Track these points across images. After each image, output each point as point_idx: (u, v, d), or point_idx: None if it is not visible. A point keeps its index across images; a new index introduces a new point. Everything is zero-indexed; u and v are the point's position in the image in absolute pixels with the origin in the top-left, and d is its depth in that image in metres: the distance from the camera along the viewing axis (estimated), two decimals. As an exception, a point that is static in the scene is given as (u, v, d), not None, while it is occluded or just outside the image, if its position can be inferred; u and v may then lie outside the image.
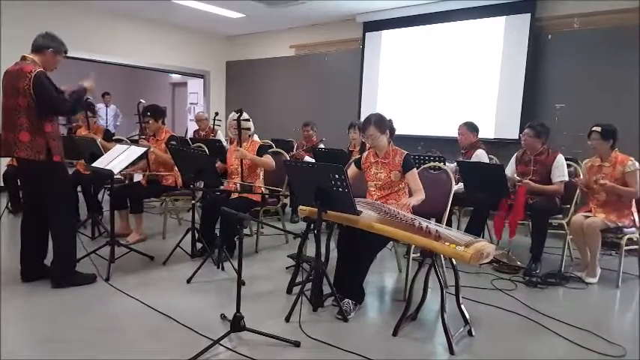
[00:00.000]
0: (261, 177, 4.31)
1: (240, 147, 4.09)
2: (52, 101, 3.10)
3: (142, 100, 4.71)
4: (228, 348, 2.52)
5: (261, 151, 4.16)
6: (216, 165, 4.33)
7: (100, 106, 9.26)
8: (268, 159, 4.14)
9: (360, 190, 3.50)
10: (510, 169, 4.29)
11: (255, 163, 4.14)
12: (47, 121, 3.17)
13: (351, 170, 3.53)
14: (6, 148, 3.20)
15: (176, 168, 4.48)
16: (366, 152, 3.53)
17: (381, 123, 3.32)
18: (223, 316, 2.87)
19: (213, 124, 7.03)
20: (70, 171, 4.57)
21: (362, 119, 6.38)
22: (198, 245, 4.13)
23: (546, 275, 3.82)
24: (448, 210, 3.55)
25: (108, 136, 5.34)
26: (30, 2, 6.94)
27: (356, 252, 3.07)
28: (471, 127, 4.83)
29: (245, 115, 4.13)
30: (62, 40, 3.35)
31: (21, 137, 3.12)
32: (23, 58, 3.22)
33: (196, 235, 4.10)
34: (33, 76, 3.06)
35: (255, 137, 4.55)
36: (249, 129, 4.17)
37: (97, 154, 4.02)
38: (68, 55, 3.44)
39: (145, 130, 4.71)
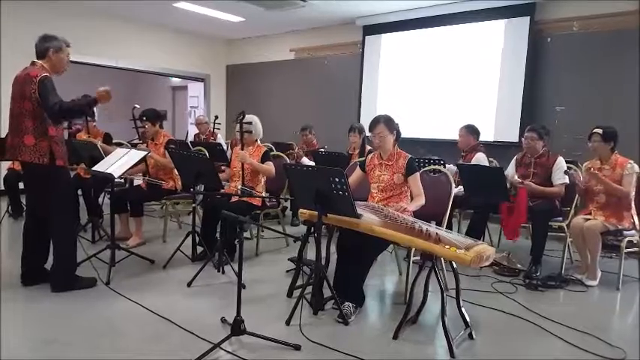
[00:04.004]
0: (263, 182, 4.30)
1: (243, 150, 4.09)
2: (47, 105, 3.10)
3: (136, 105, 4.72)
4: (228, 351, 2.52)
5: (265, 157, 4.16)
6: (223, 171, 4.34)
7: None
8: (269, 166, 4.12)
9: (364, 192, 3.50)
10: (511, 172, 4.30)
11: (255, 169, 4.13)
12: (51, 124, 3.19)
13: (357, 173, 3.54)
14: (11, 152, 3.23)
15: (175, 171, 4.49)
16: (371, 154, 3.55)
17: (390, 122, 3.36)
18: (224, 320, 2.87)
19: (214, 128, 7.04)
20: (71, 175, 4.57)
21: (361, 122, 6.43)
22: (199, 249, 4.13)
23: (546, 278, 3.81)
24: (448, 213, 3.56)
25: (108, 140, 5.34)
26: (29, 3, 6.97)
27: (356, 255, 3.07)
28: (471, 130, 4.84)
29: (249, 119, 4.12)
30: (60, 36, 3.30)
31: (25, 141, 3.15)
32: (32, 63, 3.24)
33: (197, 239, 4.10)
34: (38, 80, 3.09)
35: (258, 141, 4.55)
36: (250, 132, 4.16)
37: (98, 158, 4.03)
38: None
39: (145, 134, 4.72)
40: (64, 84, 3.38)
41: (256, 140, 4.27)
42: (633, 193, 3.77)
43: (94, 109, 4.99)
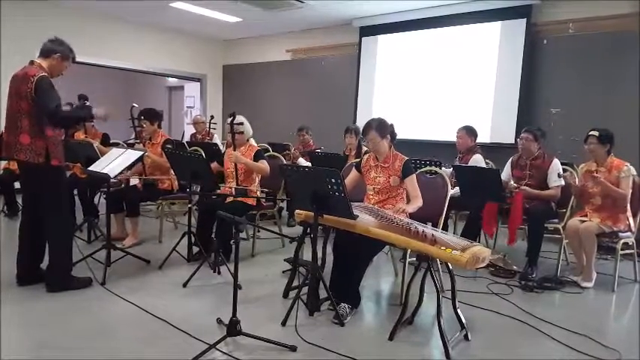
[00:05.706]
0: (257, 181, 4.30)
1: (235, 150, 4.09)
2: (46, 109, 3.09)
3: (135, 104, 4.71)
4: (224, 352, 2.52)
5: (258, 156, 4.16)
6: (212, 165, 4.34)
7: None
8: (263, 164, 4.12)
9: (360, 193, 3.50)
10: (506, 174, 4.30)
11: (249, 168, 4.13)
12: (48, 125, 3.18)
13: (353, 174, 3.54)
14: (7, 150, 3.22)
15: (172, 171, 4.48)
16: (367, 155, 3.54)
17: (382, 128, 3.32)
18: (219, 321, 2.86)
19: (209, 128, 7.04)
20: (67, 174, 4.56)
21: (358, 124, 6.43)
22: (195, 249, 4.11)
23: (542, 279, 3.82)
24: (444, 214, 3.56)
25: (106, 140, 5.33)
26: (29, 3, 6.94)
27: (352, 256, 3.08)
28: (469, 132, 4.85)
29: (239, 119, 4.12)
30: (70, 46, 3.36)
31: (21, 139, 3.14)
32: (31, 62, 3.24)
33: (193, 239, 4.09)
34: (35, 80, 3.08)
35: (252, 141, 4.54)
36: (242, 132, 4.16)
37: (94, 158, 4.01)
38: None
39: (142, 134, 4.71)
40: (59, 82, 3.36)
41: (248, 140, 4.27)
42: (629, 196, 3.79)
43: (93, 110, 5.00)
